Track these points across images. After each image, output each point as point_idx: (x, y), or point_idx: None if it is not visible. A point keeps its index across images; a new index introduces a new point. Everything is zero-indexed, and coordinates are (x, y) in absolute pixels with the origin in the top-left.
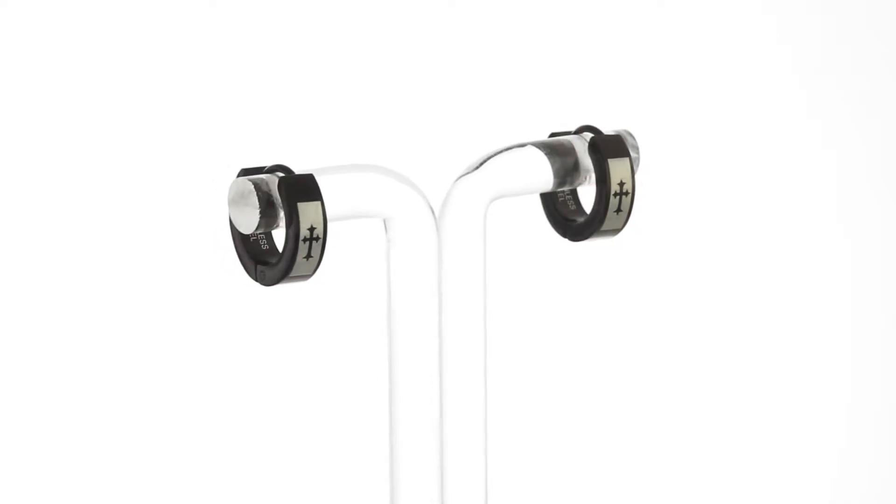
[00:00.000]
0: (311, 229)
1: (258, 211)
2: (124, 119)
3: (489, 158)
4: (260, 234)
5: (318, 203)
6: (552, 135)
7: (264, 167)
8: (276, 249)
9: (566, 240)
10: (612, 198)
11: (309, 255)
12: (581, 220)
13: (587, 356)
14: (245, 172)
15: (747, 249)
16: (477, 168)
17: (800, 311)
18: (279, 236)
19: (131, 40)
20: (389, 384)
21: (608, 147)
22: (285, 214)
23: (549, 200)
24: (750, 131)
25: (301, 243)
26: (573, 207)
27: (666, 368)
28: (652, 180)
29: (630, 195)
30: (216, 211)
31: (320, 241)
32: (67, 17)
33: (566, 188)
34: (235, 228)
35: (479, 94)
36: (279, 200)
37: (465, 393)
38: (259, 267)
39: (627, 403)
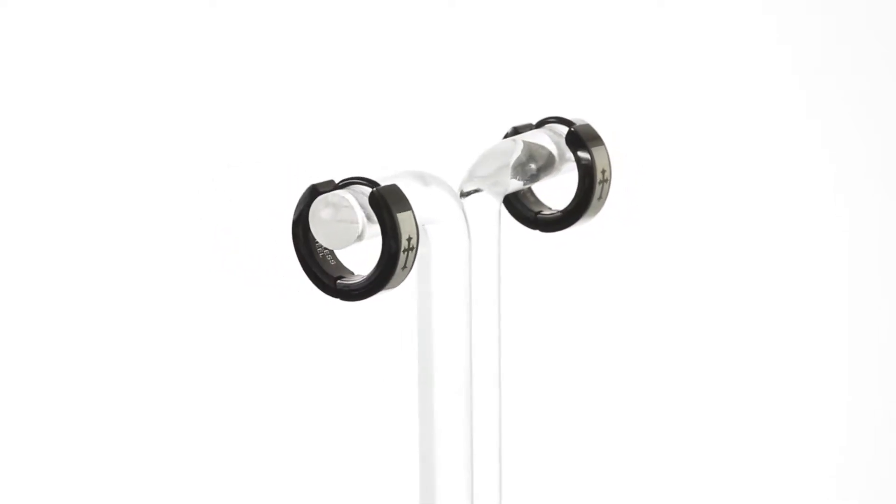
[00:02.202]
0: (409, 239)
1: (358, 226)
2: (123, 120)
3: (498, 166)
4: (327, 250)
5: (411, 213)
6: (514, 129)
7: (331, 181)
8: (342, 264)
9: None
10: (596, 186)
11: (405, 266)
12: (549, 211)
13: (586, 349)
14: (316, 188)
15: (747, 248)
16: (488, 179)
17: (798, 309)
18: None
19: (129, 40)
20: (421, 384)
21: (588, 136)
22: (382, 226)
23: (509, 196)
24: (749, 131)
25: (401, 254)
26: (532, 199)
27: (666, 363)
28: (654, 180)
29: (609, 182)
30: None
31: (414, 251)
32: (67, 17)
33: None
34: (308, 245)
35: (452, 92)
36: (371, 213)
37: (489, 392)
38: (340, 282)
39: (631, 399)
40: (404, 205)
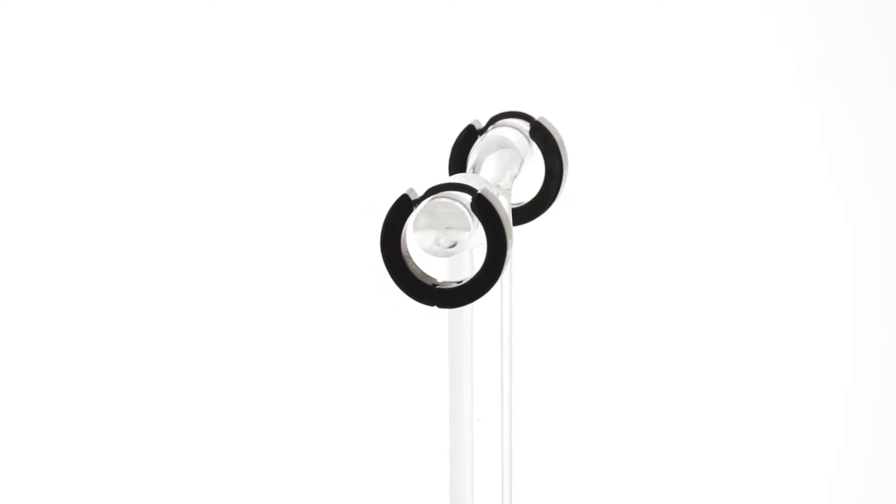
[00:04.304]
0: (510, 242)
1: (470, 232)
2: (122, 119)
3: (511, 171)
4: (411, 258)
5: (508, 216)
6: (470, 127)
7: (411, 189)
8: (425, 272)
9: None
10: (564, 176)
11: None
12: (518, 204)
13: (586, 348)
14: (408, 197)
15: (747, 248)
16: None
17: (799, 310)
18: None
19: (130, 40)
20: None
21: (552, 128)
22: (488, 230)
23: None
24: (749, 130)
25: (507, 257)
26: None
27: (666, 363)
28: (654, 180)
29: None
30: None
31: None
32: (67, 17)
33: None
34: (400, 253)
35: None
36: (475, 218)
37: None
38: (437, 287)
39: (632, 399)
40: (503, 208)
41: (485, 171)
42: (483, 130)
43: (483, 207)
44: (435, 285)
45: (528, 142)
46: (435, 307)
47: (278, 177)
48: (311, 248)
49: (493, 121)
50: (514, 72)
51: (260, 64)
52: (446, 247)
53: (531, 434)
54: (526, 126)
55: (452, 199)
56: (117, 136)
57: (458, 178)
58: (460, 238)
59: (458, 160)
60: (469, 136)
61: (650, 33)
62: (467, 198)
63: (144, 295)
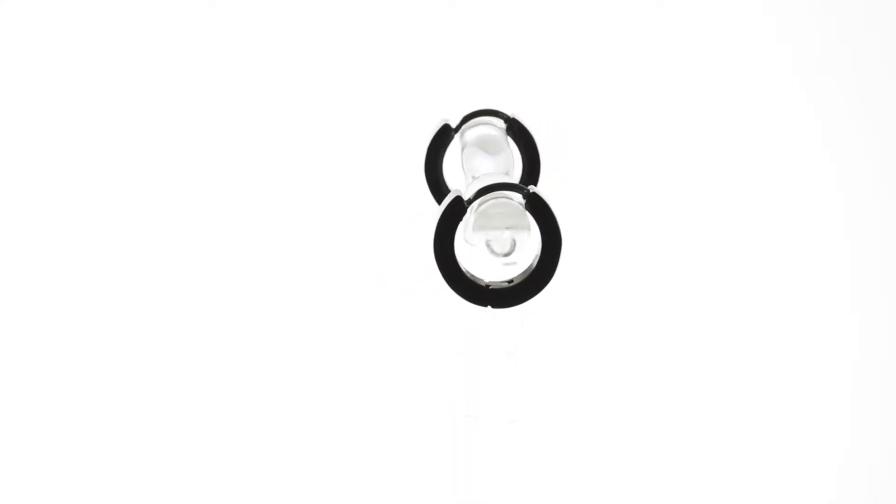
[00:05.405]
0: None
1: (528, 231)
2: (122, 120)
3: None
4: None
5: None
6: (445, 125)
7: (458, 191)
8: (473, 272)
9: None
10: (541, 170)
11: None
12: None
13: (585, 349)
14: (461, 199)
15: (746, 248)
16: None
17: (800, 309)
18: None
19: (130, 41)
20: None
21: (527, 125)
22: (543, 227)
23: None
24: (749, 130)
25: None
26: None
27: (666, 366)
28: (654, 180)
29: None
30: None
31: None
32: (67, 17)
33: None
34: (453, 255)
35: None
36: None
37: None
38: (491, 288)
39: (634, 401)
40: (554, 206)
41: (488, 171)
42: (457, 129)
43: (537, 206)
44: (488, 286)
45: (506, 139)
46: (488, 307)
47: (245, 177)
48: (283, 246)
49: (465, 119)
50: (476, 70)
51: (229, 70)
52: (506, 247)
53: (528, 432)
54: (500, 123)
55: (508, 198)
56: (117, 137)
57: (500, 178)
58: (520, 237)
59: (434, 158)
60: (444, 135)
61: (651, 33)
62: (518, 197)
63: (150, 295)
